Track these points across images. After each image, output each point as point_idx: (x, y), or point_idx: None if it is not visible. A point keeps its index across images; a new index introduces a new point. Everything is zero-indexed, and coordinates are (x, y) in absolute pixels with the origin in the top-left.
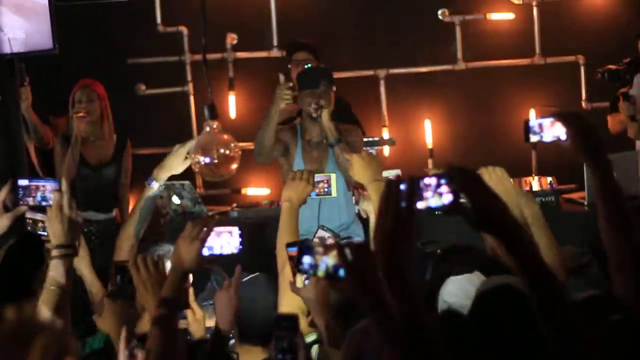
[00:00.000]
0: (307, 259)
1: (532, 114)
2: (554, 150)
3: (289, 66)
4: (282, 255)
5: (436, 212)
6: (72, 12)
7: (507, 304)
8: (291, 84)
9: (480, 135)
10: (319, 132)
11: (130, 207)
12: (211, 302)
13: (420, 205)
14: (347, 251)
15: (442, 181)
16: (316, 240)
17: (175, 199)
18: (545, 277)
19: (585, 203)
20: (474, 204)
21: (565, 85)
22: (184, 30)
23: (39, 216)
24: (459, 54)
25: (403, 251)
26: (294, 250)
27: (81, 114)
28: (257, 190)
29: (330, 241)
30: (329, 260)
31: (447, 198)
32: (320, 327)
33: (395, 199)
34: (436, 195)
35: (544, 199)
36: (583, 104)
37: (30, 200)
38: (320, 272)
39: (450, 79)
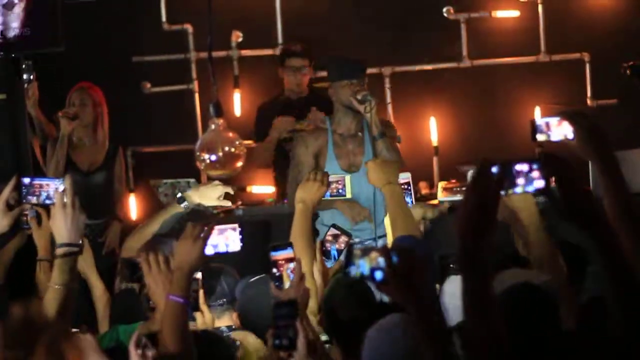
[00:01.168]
0: (351, 266)
1: (537, 111)
2: (559, 148)
3: (280, 70)
4: (295, 255)
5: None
6: (78, 11)
7: (531, 301)
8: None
9: (486, 132)
10: (353, 124)
11: (128, 209)
12: (220, 303)
13: (512, 190)
14: (393, 254)
15: (534, 166)
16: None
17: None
18: (627, 271)
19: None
20: (564, 193)
21: (570, 82)
22: (189, 28)
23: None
24: (464, 52)
25: (483, 233)
26: (276, 255)
27: (69, 114)
28: (262, 188)
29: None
30: (367, 262)
31: (539, 184)
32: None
33: (484, 182)
34: (527, 181)
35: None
36: (588, 101)
37: (34, 199)
38: (358, 274)
39: (456, 76)
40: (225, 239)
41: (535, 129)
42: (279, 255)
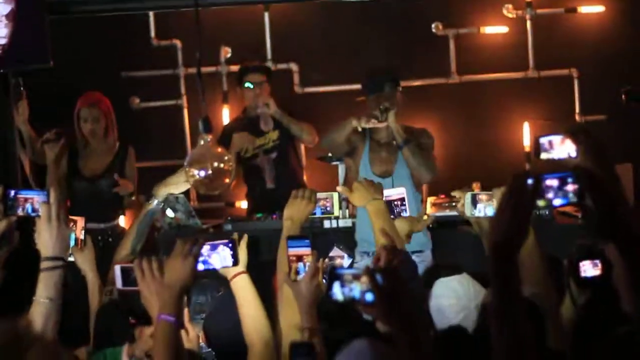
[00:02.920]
0: (336, 286)
1: (525, 127)
2: (550, 166)
3: (239, 90)
4: (282, 272)
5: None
6: (66, 26)
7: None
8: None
9: (474, 148)
10: (388, 133)
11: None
12: (202, 317)
13: (541, 203)
14: (378, 276)
15: (569, 180)
16: (339, 262)
17: (169, 212)
18: None
19: (580, 216)
20: (600, 210)
21: (559, 98)
22: (177, 43)
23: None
24: (453, 68)
25: (517, 243)
26: (295, 250)
27: (51, 138)
28: None
29: (342, 260)
30: (358, 286)
31: (572, 198)
32: (304, 326)
33: (519, 194)
34: (559, 194)
35: (538, 212)
36: (577, 117)
37: (19, 211)
38: (349, 298)
39: (444, 92)
40: (217, 255)
41: (539, 147)
42: (299, 251)
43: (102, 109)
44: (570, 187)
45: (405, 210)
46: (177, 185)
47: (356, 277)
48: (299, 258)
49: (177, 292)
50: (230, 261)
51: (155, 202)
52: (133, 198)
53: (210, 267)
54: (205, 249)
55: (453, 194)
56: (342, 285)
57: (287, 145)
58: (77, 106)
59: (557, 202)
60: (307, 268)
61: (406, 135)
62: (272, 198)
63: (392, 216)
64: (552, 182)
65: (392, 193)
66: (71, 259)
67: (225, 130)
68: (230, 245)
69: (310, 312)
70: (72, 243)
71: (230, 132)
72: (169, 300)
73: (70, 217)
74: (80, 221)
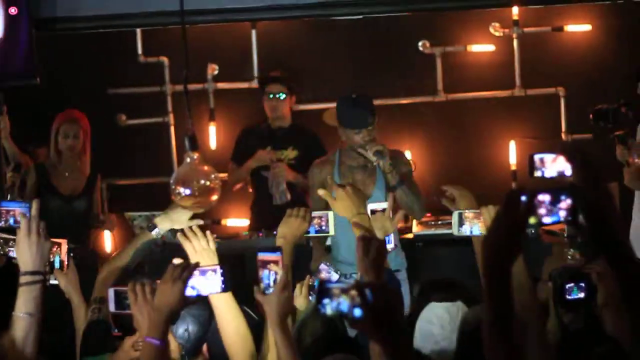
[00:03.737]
0: (326, 300)
1: (512, 145)
2: (534, 181)
3: (262, 98)
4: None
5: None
6: (53, 42)
7: None
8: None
9: (461, 166)
10: (358, 159)
11: (107, 239)
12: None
13: (531, 221)
14: (367, 291)
15: (562, 197)
16: (323, 275)
17: (155, 231)
18: None
19: (565, 235)
20: (593, 227)
21: (545, 116)
22: (164, 60)
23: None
24: (440, 86)
25: (511, 259)
26: (265, 255)
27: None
28: (237, 222)
29: (330, 276)
30: (346, 300)
31: (563, 217)
32: (277, 339)
33: (513, 210)
34: (552, 212)
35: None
36: (563, 135)
37: (1, 223)
38: (336, 312)
39: (431, 110)
40: (206, 281)
41: (533, 165)
42: (268, 256)
43: (82, 126)
44: (563, 205)
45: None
46: (179, 222)
47: (344, 291)
48: (265, 264)
49: (165, 316)
50: (219, 287)
51: (156, 232)
52: (102, 218)
53: (199, 293)
54: (195, 274)
55: (444, 187)
56: (331, 300)
57: (302, 167)
58: (57, 122)
59: (547, 220)
60: (274, 277)
61: (398, 177)
62: (277, 215)
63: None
64: (545, 198)
65: (376, 207)
66: (54, 282)
67: (245, 137)
68: (221, 271)
69: (281, 325)
70: (57, 265)
71: (250, 142)
72: (156, 323)
73: (53, 239)
74: (64, 244)
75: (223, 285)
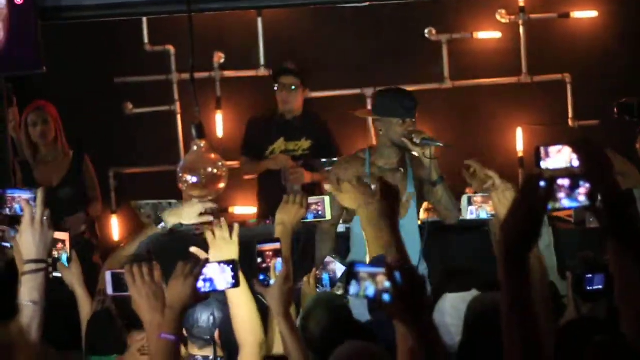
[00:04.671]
0: (354, 284)
1: (519, 132)
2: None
3: (275, 88)
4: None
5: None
6: (59, 32)
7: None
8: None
9: (468, 153)
10: (397, 159)
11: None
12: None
13: (551, 205)
14: (397, 274)
15: (581, 183)
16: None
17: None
18: None
19: (573, 221)
20: (609, 211)
21: (552, 103)
22: (171, 49)
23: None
24: (446, 73)
25: (530, 243)
26: (264, 246)
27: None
28: (244, 209)
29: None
30: (373, 285)
31: (583, 202)
32: (281, 329)
33: (532, 195)
34: (571, 196)
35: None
36: (570, 122)
37: (7, 211)
38: (364, 297)
39: (437, 97)
40: (218, 276)
41: (539, 156)
42: (267, 246)
43: (49, 112)
44: (582, 190)
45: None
46: (188, 218)
47: (372, 276)
48: (260, 254)
49: (178, 312)
50: (231, 282)
51: (162, 226)
52: (99, 207)
53: (211, 288)
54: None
55: (467, 162)
56: (358, 283)
57: (313, 156)
58: (23, 116)
59: (567, 203)
60: (278, 267)
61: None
62: None
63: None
64: (564, 182)
65: None
66: (58, 274)
67: (256, 127)
68: (231, 266)
69: (285, 316)
70: (64, 262)
71: (265, 133)
72: (170, 320)
73: (57, 234)
74: (66, 237)
75: (233, 281)
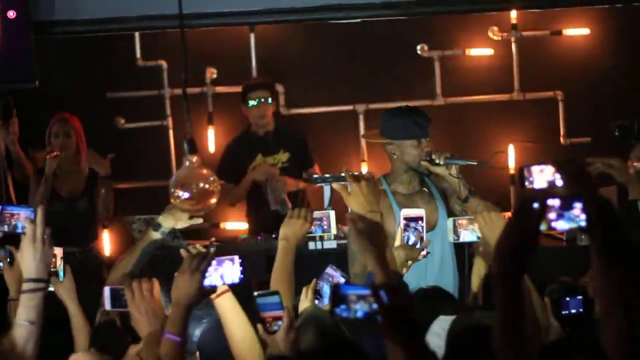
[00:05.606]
0: (342, 307)
1: (510, 149)
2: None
3: (243, 108)
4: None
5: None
6: (51, 46)
7: (480, 343)
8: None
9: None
10: (415, 181)
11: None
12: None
13: (542, 227)
14: (382, 293)
15: (575, 204)
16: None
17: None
18: None
19: (564, 238)
20: (605, 233)
21: (544, 120)
22: (163, 64)
23: None
24: (438, 89)
25: (524, 264)
26: (265, 313)
27: (54, 154)
28: (235, 225)
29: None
30: (362, 306)
31: (581, 222)
32: None
33: (525, 216)
34: (562, 217)
35: None
36: (562, 139)
37: (4, 227)
38: (353, 319)
39: (429, 114)
40: (224, 271)
41: (522, 177)
42: (269, 314)
43: (73, 125)
44: (577, 212)
45: (423, 231)
46: (182, 220)
47: (361, 297)
48: (262, 320)
49: (184, 309)
50: (238, 277)
51: (161, 231)
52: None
53: (217, 282)
54: (213, 265)
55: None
56: (347, 306)
57: (294, 169)
58: (49, 126)
59: (559, 225)
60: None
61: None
62: (275, 220)
63: (406, 233)
64: (554, 203)
65: (411, 213)
66: (51, 288)
67: (231, 149)
68: (240, 261)
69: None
70: (61, 277)
71: (240, 151)
72: (175, 317)
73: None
74: (59, 252)
75: (242, 276)
